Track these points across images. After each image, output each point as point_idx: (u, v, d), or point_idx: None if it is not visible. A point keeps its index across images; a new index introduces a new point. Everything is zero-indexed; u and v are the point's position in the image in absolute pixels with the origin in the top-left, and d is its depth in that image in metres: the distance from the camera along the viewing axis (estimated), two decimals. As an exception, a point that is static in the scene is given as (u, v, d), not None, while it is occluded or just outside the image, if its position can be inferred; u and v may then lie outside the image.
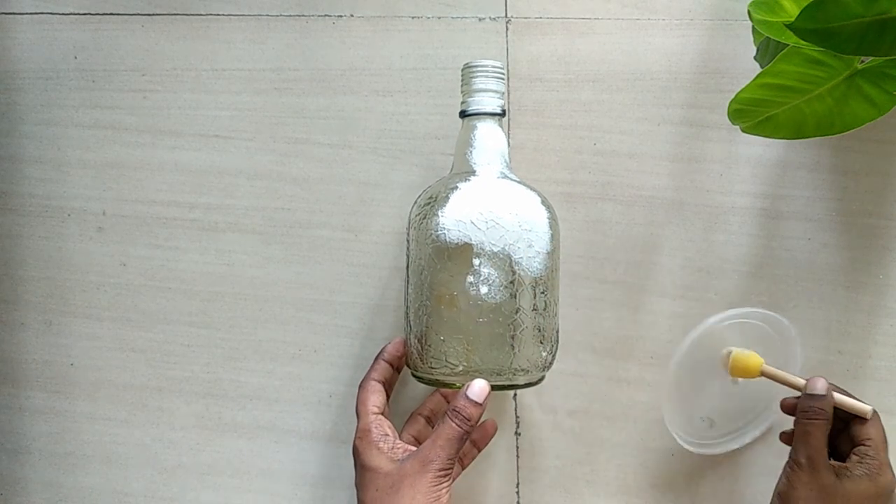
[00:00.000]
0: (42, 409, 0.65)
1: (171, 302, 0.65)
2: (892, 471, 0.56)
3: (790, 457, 0.57)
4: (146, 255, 0.65)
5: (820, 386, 0.57)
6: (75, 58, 0.65)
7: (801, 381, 0.58)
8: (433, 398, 0.62)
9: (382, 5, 0.64)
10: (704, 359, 0.62)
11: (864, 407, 0.57)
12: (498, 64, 0.57)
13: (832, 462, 0.56)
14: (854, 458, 0.56)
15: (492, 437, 0.62)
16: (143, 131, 0.65)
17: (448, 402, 0.62)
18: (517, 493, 0.64)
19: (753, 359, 0.60)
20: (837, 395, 0.57)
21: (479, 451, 0.62)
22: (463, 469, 0.62)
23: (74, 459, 0.65)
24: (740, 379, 0.61)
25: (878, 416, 0.57)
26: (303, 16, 0.64)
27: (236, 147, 0.65)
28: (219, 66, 0.64)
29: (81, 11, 0.65)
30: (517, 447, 0.64)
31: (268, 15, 0.65)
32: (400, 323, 0.64)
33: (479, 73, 0.57)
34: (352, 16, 0.64)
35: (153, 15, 0.65)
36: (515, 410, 0.64)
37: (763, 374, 0.59)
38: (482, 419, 0.62)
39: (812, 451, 0.55)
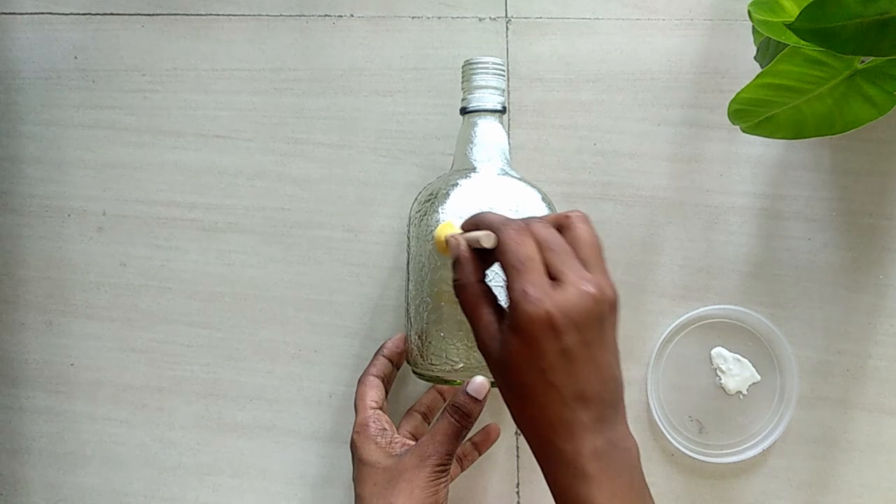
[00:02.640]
0: (42, 409, 0.65)
1: (171, 302, 0.65)
2: (533, 296, 0.41)
3: None
4: (146, 255, 0.65)
5: (452, 251, 0.47)
6: (75, 58, 0.65)
7: (481, 235, 0.46)
8: (429, 395, 0.62)
9: (382, 5, 0.64)
10: (684, 356, 0.63)
11: (476, 235, 0.46)
12: (499, 60, 0.57)
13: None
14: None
15: (494, 441, 0.62)
16: (143, 131, 0.65)
17: (444, 399, 0.62)
18: (517, 493, 0.64)
19: (444, 229, 0.51)
20: (466, 235, 0.47)
21: (480, 454, 0.62)
22: (462, 470, 0.62)
23: (74, 459, 0.65)
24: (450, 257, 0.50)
25: (512, 230, 0.44)
26: (303, 16, 0.64)
27: (236, 147, 0.65)
28: (219, 66, 0.64)
29: (81, 11, 0.65)
30: (517, 447, 0.64)
31: (268, 15, 0.65)
32: (400, 323, 0.64)
33: (479, 70, 0.57)
34: (352, 16, 0.64)
35: (153, 15, 0.65)
36: (515, 410, 0.64)
37: (449, 245, 0.48)
38: (483, 421, 0.62)
39: (476, 332, 0.46)
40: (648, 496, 0.45)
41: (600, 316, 0.43)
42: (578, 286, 0.42)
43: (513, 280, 0.43)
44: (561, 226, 0.45)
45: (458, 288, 0.46)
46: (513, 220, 0.45)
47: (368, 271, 0.64)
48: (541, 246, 0.44)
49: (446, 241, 0.48)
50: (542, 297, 0.41)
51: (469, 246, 0.47)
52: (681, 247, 0.64)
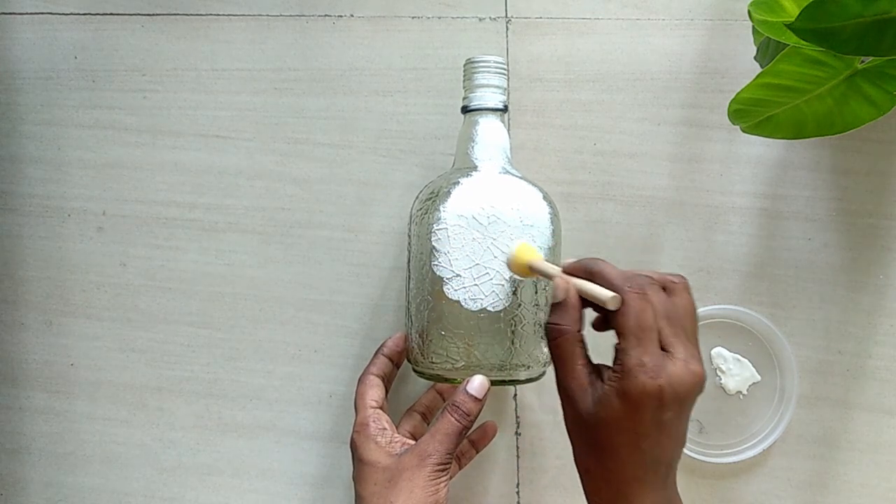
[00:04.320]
0: (42, 409, 0.65)
1: (171, 302, 0.65)
2: (651, 368, 0.43)
3: None
4: (146, 255, 0.65)
5: (559, 293, 0.47)
6: (75, 58, 0.65)
7: (552, 271, 0.48)
8: (428, 394, 0.62)
9: (382, 5, 0.64)
10: None
11: (603, 294, 0.45)
12: (500, 59, 0.57)
13: (603, 370, 0.46)
14: (613, 363, 0.45)
15: (491, 438, 0.63)
16: (143, 131, 0.65)
17: (444, 399, 0.62)
18: (517, 493, 0.64)
19: (524, 252, 0.52)
20: (578, 283, 0.47)
21: (478, 451, 0.62)
22: (460, 468, 0.62)
23: (74, 459, 0.65)
24: (529, 278, 0.54)
25: (636, 297, 0.45)
26: (303, 16, 0.64)
27: (236, 147, 0.65)
28: (219, 66, 0.64)
29: (81, 11, 0.65)
30: (517, 447, 0.64)
31: (268, 15, 0.64)
32: (400, 323, 0.64)
33: (481, 69, 0.57)
34: (352, 16, 0.64)
35: (153, 15, 0.65)
36: (515, 410, 0.64)
37: (532, 269, 0.51)
38: (482, 419, 0.62)
39: (561, 379, 0.47)
40: None
41: (697, 393, 0.45)
42: (688, 364, 0.44)
43: (630, 346, 0.44)
44: (666, 289, 0.47)
45: (555, 332, 0.47)
46: (629, 278, 0.46)
47: (368, 271, 0.64)
48: (655, 313, 0.45)
49: (555, 282, 0.48)
50: (658, 371, 0.43)
51: (578, 293, 0.47)
52: (681, 247, 0.64)
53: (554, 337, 0.47)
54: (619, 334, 0.45)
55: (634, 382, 0.43)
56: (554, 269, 0.49)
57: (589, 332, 0.48)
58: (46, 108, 0.65)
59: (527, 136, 0.64)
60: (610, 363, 0.46)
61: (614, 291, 0.45)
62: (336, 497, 0.65)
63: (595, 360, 0.48)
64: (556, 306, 0.48)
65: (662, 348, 0.45)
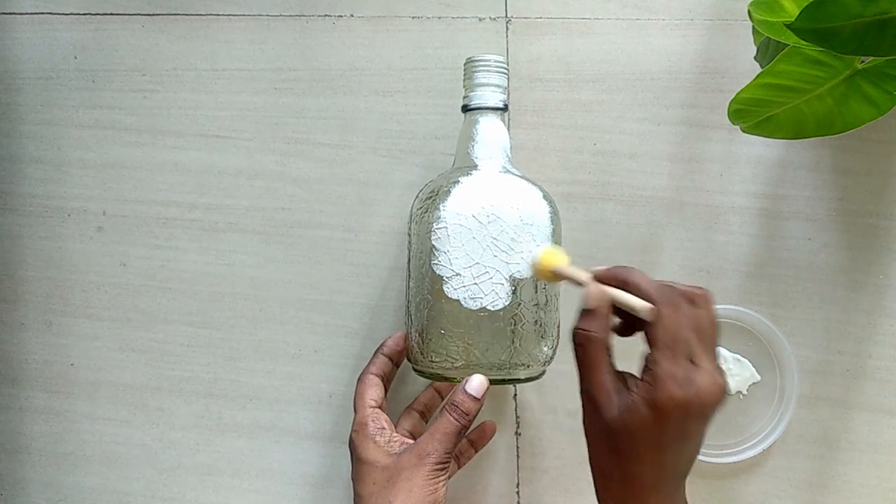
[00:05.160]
0: (42, 409, 0.65)
1: (171, 302, 0.65)
2: (682, 379, 0.44)
3: None
4: (146, 255, 0.65)
5: (590, 300, 0.47)
6: (75, 58, 0.65)
7: (583, 277, 0.49)
8: (427, 393, 0.62)
9: (382, 5, 0.64)
10: None
11: (640, 306, 0.46)
12: (500, 58, 0.57)
13: (627, 378, 0.47)
14: (642, 373, 0.46)
15: (490, 438, 0.63)
16: (143, 131, 0.65)
17: (442, 397, 0.62)
18: (517, 493, 0.64)
19: (550, 257, 0.52)
20: (612, 292, 0.47)
21: (476, 451, 0.62)
22: (459, 468, 0.62)
23: (74, 459, 0.65)
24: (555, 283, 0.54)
25: (670, 308, 0.46)
26: (303, 16, 0.64)
27: (236, 147, 0.65)
28: (219, 66, 0.64)
29: (81, 11, 0.65)
30: (517, 447, 0.64)
31: (268, 15, 0.64)
32: (400, 323, 0.64)
33: (481, 68, 0.57)
34: (352, 16, 0.64)
35: (153, 15, 0.65)
36: (515, 410, 0.64)
37: (556, 275, 0.51)
38: (482, 419, 0.62)
39: (587, 385, 0.47)
40: None
41: (720, 406, 0.46)
42: (714, 376, 0.45)
43: (662, 357, 0.45)
44: (693, 301, 0.47)
45: (583, 337, 0.47)
46: (661, 288, 0.46)
47: (368, 271, 0.64)
48: (686, 325, 0.46)
49: (589, 288, 0.48)
50: (688, 383, 0.44)
51: (611, 302, 0.47)
52: (681, 247, 0.64)
53: (581, 342, 0.47)
54: (651, 344, 0.45)
55: (665, 393, 0.44)
56: (584, 276, 0.49)
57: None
58: (46, 108, 0.65)
59: (527, 136, 0.64)
60: (627, 370, 0.47)
61: (650, 303, 0.46)
62: (336, 497, 0.65)
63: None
64: (587, 312, 0.48)
65: (690, 360, 0.45)
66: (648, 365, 0.45)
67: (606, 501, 0.48)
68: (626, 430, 0.45)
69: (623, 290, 0.47)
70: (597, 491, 0.49)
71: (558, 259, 0.52)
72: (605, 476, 0.48)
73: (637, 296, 0.46)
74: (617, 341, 0.49)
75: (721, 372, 0.46)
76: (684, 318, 0.46)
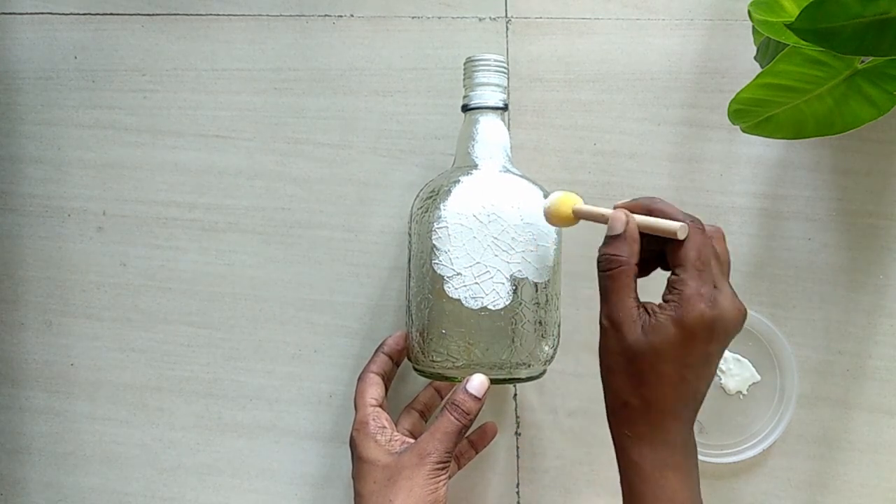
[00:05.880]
0: (42, 409, 0.65)
1: (171, 302, 0.65)
2: (708, 298, 0.45)
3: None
4: (146, 255, 0.65)
5: (618, 225, 0.48)
6: (75, 58, 0.65)
7: (610, 213, 0.49)
8: (426, 391, 0.62)
9: (382, 5, 0.64)
10: None
11: (672, 225, 0.46)
12: (500, 58, 0.57)
13: (648, 305, 0.47)
14: (666, 295, 0.46)
15: (491, 439, 0.62)
16: (143, 131, 0.65)
17: (441, 397, 0.62)
18: (517, 493, 0.64)
19: (566, 201, 0.52)
20: (641, 219, 0.48)
21: (477, 452, 0.62)
22: (459, 468, 0.62)
23: (74, 459, 0.65)
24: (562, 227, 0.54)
25: (697, 231, 0.47)
26: (303, 16, 0.64)
27: (236, 147, 0.65)
28: (219, 66, 0.64)
29: (81, 11, 0.65)
30: (517, 447, 0.64)
31: (268, 15, 0.65)
32: (400, 323, 0.64)
33: (481, 67, 0.57)
34: (352, 16, 0.64)
35: (153, 15, 0.65)
36: (515, 410, 0.64)
37: (577, 215, 0.51)
38: (482, 419, 0.62)
39: (611, 309, 0.47)
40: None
41: (740, 329, 0.47)
42: (735, 300, 0.47)
43: (690, 277, 0.45)
44: (710, 234, 0.48)
45: (614, 262, 0.47)
46: (687, 215, 0.47)
47: (368, 271, 0.64)
48: (711, 250, 0.47)
49: (614, 214, 0.49)
50: (714, 302, 0.45)
51: (637, 227, 0.48)
52: (681, 247, 0.64)
53: (609, 267, 0.48)
54: (678, 265, 0.46)
55: (693, 311, 0.45)
56: (604, 210, 0.50)
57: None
58: (46, 108, 0.65)
59: (527, 136, 0.64)
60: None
61: (680, 223, 0.46)
62: (336, 497, 0.65)
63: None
64: (614, 238, 0.48)
65: (713, 284, 0.46)
66: (675, 286, 0.46)
67: (623, 433, 0.48)
68: (652, 350, 0.45)
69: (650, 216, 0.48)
70: (611, 424, 0.48)
71: (574, 200, 0.52)
72: (624, 404, 0.47)
73: (666, 218, 0.47)
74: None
75: (738, 298, 0.47)
76: (709, 242, 0.47)
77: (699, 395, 0.47)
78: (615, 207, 0.50)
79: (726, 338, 0.46)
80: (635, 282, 0.48)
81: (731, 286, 0.47)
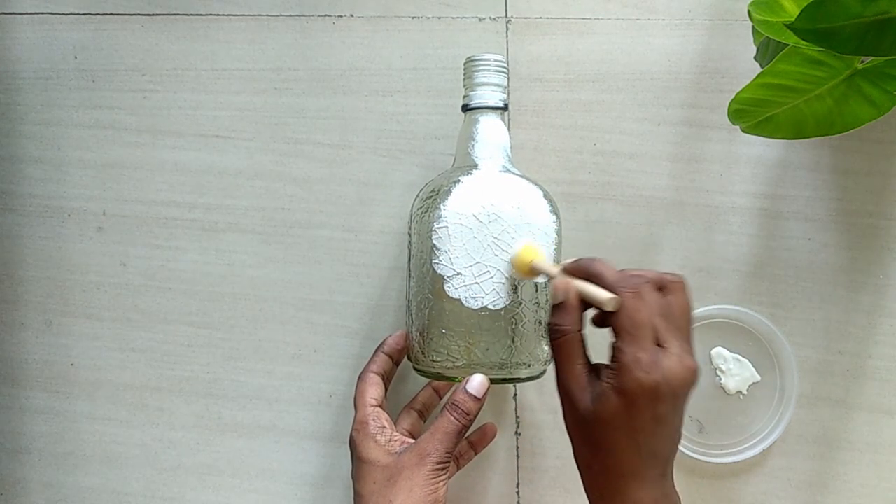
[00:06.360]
0: (42, 409, 0.65)
1: (171, 302, 0.65)
2: (646, 364, 0.44)
3: None
4: (146, 255, 0.65)
5: (559, 295, 0.48)
6: (75, 58, 0.65)
7: (553, 271, 0.50)
8: (425, 392, 0.62)
9: (382, 5, 0.64)
10: None
11: (601, 297, 0.46)
12: (500, 57, 0.57)
13: (600, 368, 0.47)
14: (610, 361, 0.46)
15: (490, 440, 0.63)
16: (143, 131, 0.65)
17: (440, 396, 0.62)
18: (517, 493, 0.64)
19: (526, 253, 0.52)
20: (579, 285, 0.48)
21: (477, 453, 0.62)
22: (459, 469, 0.62)
23: (74, 459, 0.65)
24: (536, 279, 0.54)
25: (632, 297, 0.46)
26: (303, 16, 0.64)
27: (236, 147, 0.65)
28: (219, 66, 0.64)
29: (81, 11, 0.65)
30: (517, 447, 0.64)
31: (268, 15, 0.65)
32: (400, 323, 0.64)
33: (481, 67, 0.57)
34: (352, 16, 0.64)
35: (153, 15, 0.65)
36: (515, 410, 0.64)
37: (535, 270, 0.52)
38: (483, 419, 0.62)
39: (561, 379, 0.48)
40: None
41: (692, 387, 0.46)
42: (682, 358, 0.45)
43: (625, 343, 0.45)
44: (663, 287, 0.48)
45: (558, 333, 0.48)
46: (625, 278, 0.47)
47: (368, 271, 0.64)
48: (650, 311, 0.46)
49: (555, 283, 0.49)
50: (653, 366, 0.45)
51: (578, 295, 0.48)
52: (681, 247, 0.64)
53: (555, 337, 0.49)
54: (615, 333, 0.46)
55: (631, 378, 0.44)
56: (555, 270, 0.50)
57: (591, 332, 0.49)
58: (46, 108, 0.65)
59: (527, 136, 0.64)
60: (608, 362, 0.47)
61: (611, 292, 0.46)
62: (336, 497, 0.65)
63: (597, 360, 0.49)
64: (557, 307, 0.49)
65: (658, 345, 0.46)
66: (614, 353, 0.46)
67: (593, 495, 0.48)
68: (599, 420, 0.45)
69: (589, 281, 0.48)
70: (584, 486, 0.49)
71: (534, 254, 0.53)
72: (588, 469, 0.48)
73: (600, 286, 0.47)
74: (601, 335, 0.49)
75: (691, 354, 0.46)
76: (649, 304, 0.46)
77: (661, 454, 0.47)
78: (562, 268, 0.50)
79: (675, 397, 0.45)
80: (584, 347, 0.48)
81: (684, 341, 0.46)
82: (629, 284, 0.47)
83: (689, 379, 0.46)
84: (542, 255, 0.53)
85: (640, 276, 0.47)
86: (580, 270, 0.49)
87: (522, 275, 0.53)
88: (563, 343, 0.48)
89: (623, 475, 0.46)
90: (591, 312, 0.50)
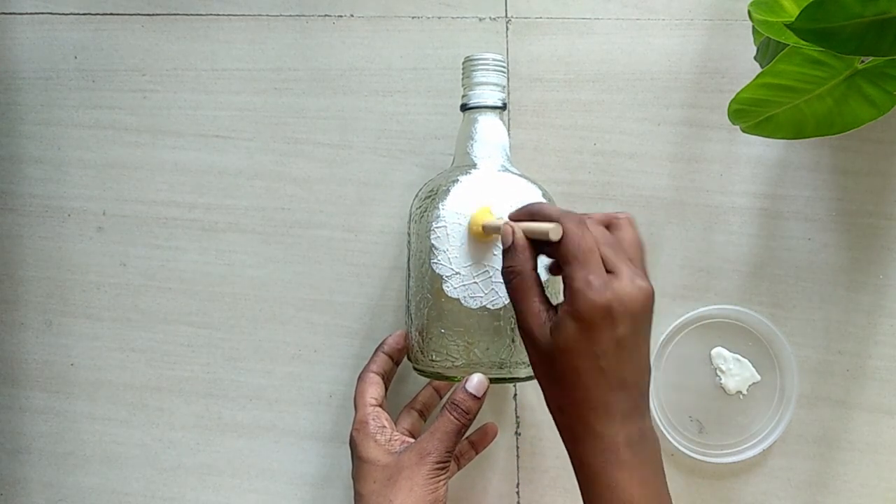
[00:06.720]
0: (42, 409, 0.65)
1: (171, 302, 0.65)
2: (597, 286, 0.44)
3: None
4: (146, 255, 0.65)
5: (507, 238, 0.48)
6: (75, 58, 0.65)
7: (499, 223, 0.50)
8: (426, 391, 0.62)
9: (382, 5, 0.64)
10: (684, 356, 0.63)
11: (544, 227, 0.46)
12: (499, 57, 0.57)
13: (559, 305, 0.46)
14: (563, 292, 0.46)
15: (491, 440, 0.62)
16: (143, 131, 0.65)
17: (440, 396, 0.62)
18: (517, 493, 0.64)
19: (479, 216, 0.53)
20: (523, 225, 0.48)
21: (477, 453, 0.62)
22: (459, 469, 0.62)
23: (74, 459, 0.65)
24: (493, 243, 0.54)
25: (575, 225, 0.46)
26: (303, 16, 0.65)
27: (236, 147, 0.65)
28: (219, 66, 0.65)
29: (81, 11, 0.65)
30: (517, 447, 0.64)
31: (268, 15, 0.65)
32: (400, 323, 0.64)
33: (480, 66, 0.57)
34: (352, 16, 0.64)
35: (153, 15, 0.65)
36: (515, 410, 0.64)
37: (485, 230, 0.53)
38: (482, 419, 0.62)
39: (520, 319, 0.47)
40: (667, 487, 0.47)
41: (649, 309, 0.46)
42: (634, 280, 0.45)
43: (574, 270, 0.45)
44: (610, 225, 0.48)
45: (511, 274, 0.48)
46: (568, 212, 0.47)
47: (368, 271, 0.64)
48: (597, 241, 0.46)
49: (502, 229, 0.49)
50: (604, 287, 0.44)
51: (525, 234, 0.48)
52: (681, 247, 0.64)
53: (509, 279, 0.48)
54: (564, 263, 0.46)
55: (583, 300, 0.44)
56: (501, 222, 0.50)
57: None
58: (46, 108, 0.65)
59: (527, 136, 0.64)
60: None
61: (552, 224, 0.46)
62: (336, 497, 0.65)
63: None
64: (506, 251, 0.49)
65: (608, 272, 0.45)
66: (565, 282, 0.45)
67: (566, 436, 0.47)
68: (560, 349, 0.45)
69: (532, 221, 0.48)
70: (561, 435, 0.48)
71: (485, 215, 0.53)
72: (559, 410, 0.47)
73: (543, 220, 0.47)
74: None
75: (644, 277, 0.46)
76: (594, 234, 0.46)
77: (629, 381, 0.45)
78: (507, 218, 0.51)
79: (633, 318, 0.44)
80: (539, 286, 0.48)
81: (636, 268, 0.46)
82: (571, 216, 0.47)
83: (644, 300, 0.45)
84: (493, 216, 0.53)
85: (587, 215, 0.48)
86: (524, 213, 0.50)
87: (480, 238, 0.53)
88: (517, 283, 0.47)
89: (593, 408, 0.45)
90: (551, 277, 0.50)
